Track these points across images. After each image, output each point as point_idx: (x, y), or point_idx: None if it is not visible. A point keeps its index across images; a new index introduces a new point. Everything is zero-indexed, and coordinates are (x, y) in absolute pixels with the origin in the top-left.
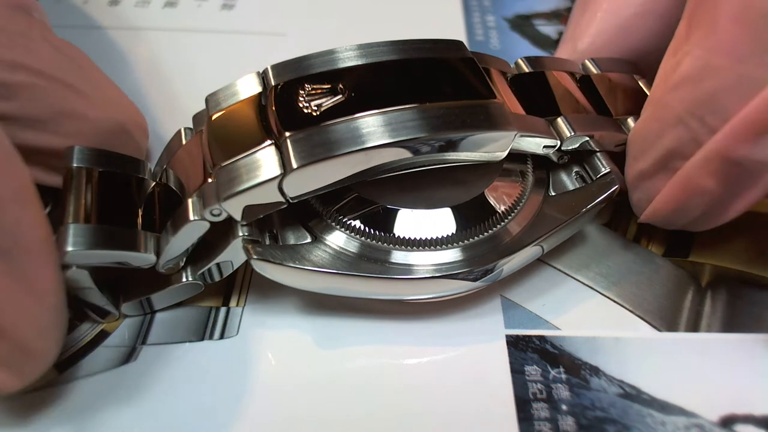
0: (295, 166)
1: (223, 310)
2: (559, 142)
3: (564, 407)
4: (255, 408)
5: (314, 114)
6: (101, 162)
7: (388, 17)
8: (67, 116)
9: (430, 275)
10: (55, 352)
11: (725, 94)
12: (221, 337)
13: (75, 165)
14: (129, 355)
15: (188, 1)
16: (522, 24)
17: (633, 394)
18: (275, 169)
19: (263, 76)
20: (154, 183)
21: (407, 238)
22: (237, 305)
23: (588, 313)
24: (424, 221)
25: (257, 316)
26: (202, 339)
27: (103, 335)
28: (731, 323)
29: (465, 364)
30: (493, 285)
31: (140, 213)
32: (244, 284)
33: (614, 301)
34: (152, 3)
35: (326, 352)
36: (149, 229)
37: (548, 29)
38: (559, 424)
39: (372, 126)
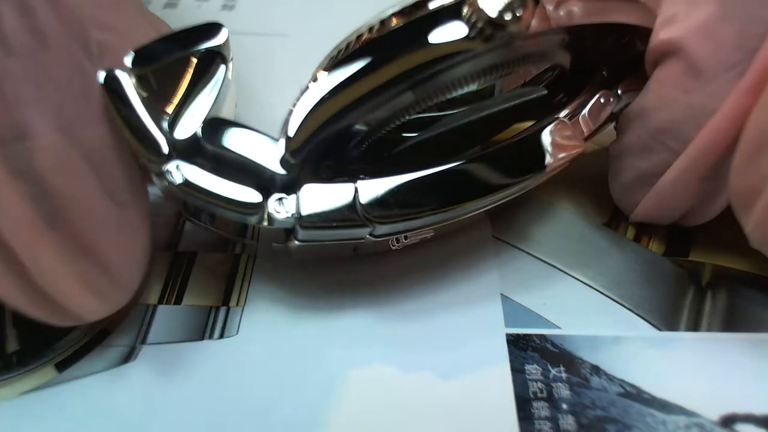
0: None
1: (223, 309)
2: None
3: (564, 406)
4: (255, 408)
5: None
6: None
7: None
8: None
9: None
10: (137, 287)
11: (680, 123)
12: (221, 336)
13: None
14: (129, 355)
15: (189, 1)
16: None
17: (633, 393)
18: None
19: None
20: None
21: None
22: (237, 305)
23: (588, 312)
24: None
25: (257, 315)
26: (202, 338)
27: (103, 334)
28: (731, 323)
29: (465, 362)
30: (494, 284)
31: None
32: (244, 284)
33: (615, 300)
34: (152, 3)
35: (326, 352)
36: None
37: None
38: (559, 423)
39: None
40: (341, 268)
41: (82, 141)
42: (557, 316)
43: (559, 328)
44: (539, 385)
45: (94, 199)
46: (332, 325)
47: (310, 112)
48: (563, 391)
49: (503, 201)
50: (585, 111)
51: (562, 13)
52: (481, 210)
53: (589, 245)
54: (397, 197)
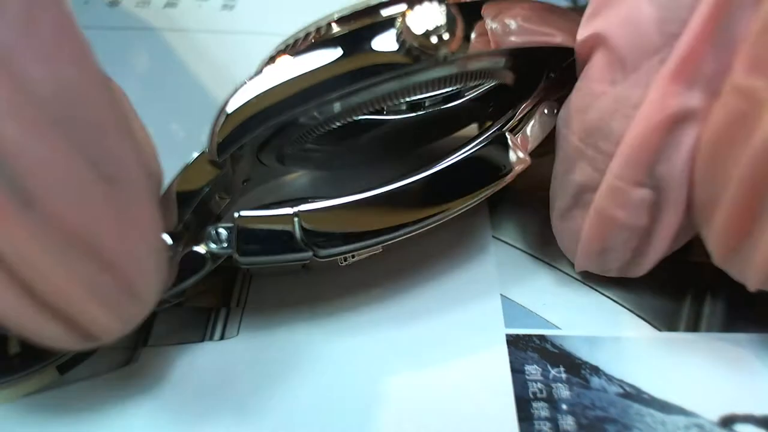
0: None
1: (223, 310)
2: None
3: (564, 407)
4: (256, 409)
5: None
6: None
7: None
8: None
9: None
10: (155, 300)
11: (609, 118)
12: (222, 337)
13: None
14: (130, 357)
15: (189, 1)
16: None
17: (633, 394)
18: None
19: None
20: None
21: None
22: (237, 306)
23: (588, 312)
24: None
25: (257, 316)
26: (203, 340)
27: None
28: (731, 323)
29: (465, 363)
30: (493, 284)
31: None
32: (244, 285)
33: (614, 301)
34: (153, 3)
35: (326, 352)
36: None
37: None
38: (559, 424)
39: None
40: (341, 270)
41: (41, 85)
42: (557, 316)
43: (559, 328)
44: (539, 385)
45: (64, 163)
46: (333, 327)
47: (239, 107)
48: (563, 391)
49: (455, 214)
50: (529, 125)
51: (499, 29)
52: (431, 226)
53: None
54: (338, 223)
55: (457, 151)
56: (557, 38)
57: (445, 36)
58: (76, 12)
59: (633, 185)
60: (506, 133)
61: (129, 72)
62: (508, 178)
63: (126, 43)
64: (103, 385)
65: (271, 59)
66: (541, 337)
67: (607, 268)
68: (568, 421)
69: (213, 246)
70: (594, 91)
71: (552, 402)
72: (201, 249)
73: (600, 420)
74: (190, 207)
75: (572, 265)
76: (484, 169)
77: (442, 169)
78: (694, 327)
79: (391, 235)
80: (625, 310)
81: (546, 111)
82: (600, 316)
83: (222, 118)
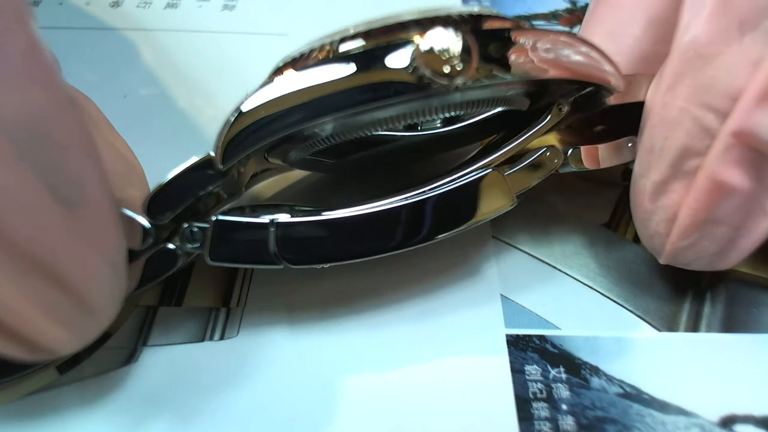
0: None
1: (223, 310)
2: None
3: (564, 407)
4: (256, 409)
5: None
6: None
7: None
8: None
9: None
10: (113, 313)
11: (725, 76)
12: (222, 338)
13: None
14: (130, 357)
15: (189, 2)
16: None
17: (633, 394)
18: None
19: None
20: None
21: None
22: (237, 306)
23: (588, 312)
24: None
25: (258, 316)
26: (203, 340)
27: (104, 337)
28: (731, 323)
29: (465, 363)
30: (493, 284)
31: None
32: (244, 285)
33: (614, 301)
34: (154, 4)
35: (326, 353)
36: None
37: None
38: (559, 424)
39: None
40: (341, 270)
41: (6, 110)
42: (557, 316)
43: (559, 328)
44: (539, 385)
45: (22, 190)
46: (332, 327)
47: (246, 117)
48: (563, 391)
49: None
50: (525, 163)
51: (530, 59)
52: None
53: (588, 246)
54: (314, 242)
55: (446, 177)
56: (590, 70)
57: (459, 66)
58: (79, 14)
59: (753, 143)
60: (500, 171)
61: (130, 73)
62: (490, 217)
63: (128, 44)
64: (102, 385)
65: (279, 70)
66: (541, 338)
67: (700, 254)
68: (568, 421)
69: (186, 244)
70: (706, 52)
71: (552, 402)
72: (172, 245)
73: (600, 420)
74: (184, 204)
75: (572, 266)
76: (467, 204)
77: (422, 199)
78: (694, 327)
79: (365, 258)
80: (626, 310)
81: (549, 154)
82: (600, 317)
83: (227, 128)
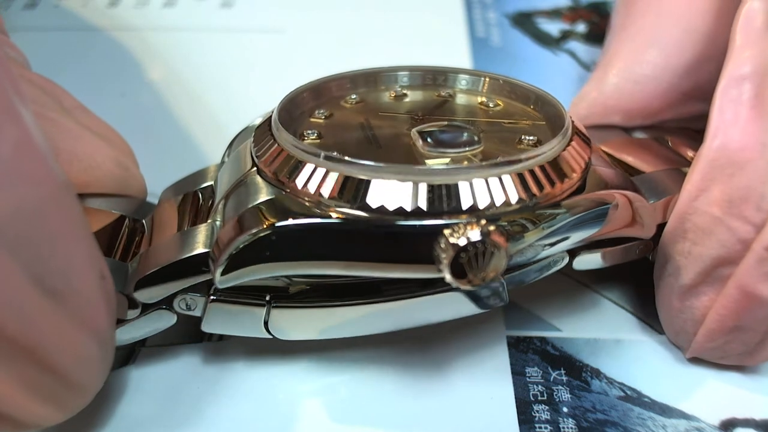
0: None
1: None
2: None
3: (565, 409)
4: (256, 409)
5: None
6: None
7: (387, 13)
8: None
9: None
10: (99, 386)
11: (760, 186)
12: (221, 338)
13: None
14: (128, 358)
15: (187, 0)
16: (523, 21)
17: (634, 397)
18: None
19: None
20: None
21: None
22: None
23: (589, 314)
24: None
25: None
26: (201, 341)
27: None
28: None
29: (465, 365)
30: None
31: None
32: None
33: (615, 303)
34: (151, 3)
35: (326, 353)
36: None
37: (550, 26)
38: (560, 427)
39: None
40: None
41: None
42: (558, 318)
43: (560, 330)
44: (540, 388)
45: (7, 283)
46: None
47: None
48: (564, 394)
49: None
50: (531, 266)
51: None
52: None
53: None
54: (308, 327)
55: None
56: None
57: (480, 274)
58: (76, 15)
59: None
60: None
61: (129, 72)
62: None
63: (126, 44)
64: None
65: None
66: (542, 340)
67: (727, 353)
68: (569, 424)
69: (181, 310)
70: (739, 159)
71: (553, 404)
72: (168, 311)
73: (601, 423)
74: (173, 291)
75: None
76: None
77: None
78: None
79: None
80: (627, 312)
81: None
82: (601, 319)
83: (225, 256)
